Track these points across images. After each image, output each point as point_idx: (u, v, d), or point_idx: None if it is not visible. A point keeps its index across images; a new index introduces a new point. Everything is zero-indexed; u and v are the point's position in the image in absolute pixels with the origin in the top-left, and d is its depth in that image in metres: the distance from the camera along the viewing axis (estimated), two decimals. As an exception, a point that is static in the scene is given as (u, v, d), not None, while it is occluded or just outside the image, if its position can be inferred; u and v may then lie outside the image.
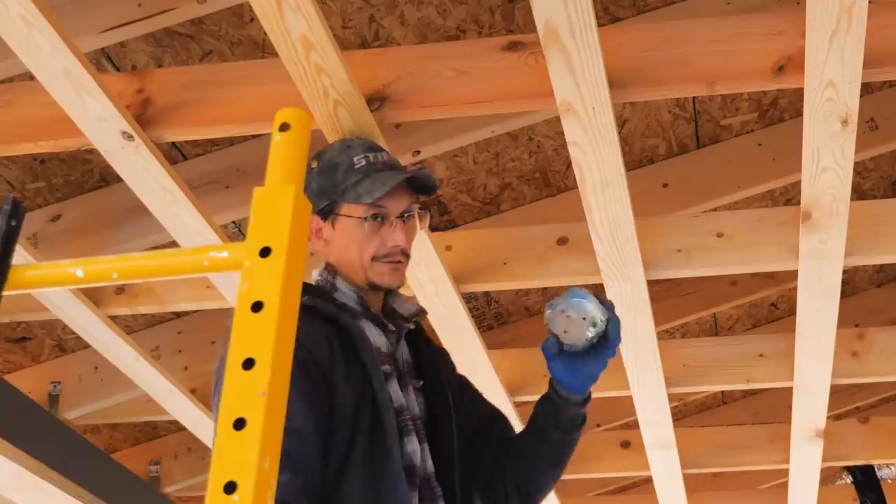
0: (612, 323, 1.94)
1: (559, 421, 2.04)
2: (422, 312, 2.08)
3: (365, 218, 2.01)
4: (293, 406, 1.68)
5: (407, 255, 2.04)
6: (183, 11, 2.71)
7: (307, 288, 2.00)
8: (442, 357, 2.15)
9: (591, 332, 1.92)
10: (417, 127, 3.06)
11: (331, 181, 2.04)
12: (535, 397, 4.10)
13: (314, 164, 2.07)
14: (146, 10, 2.67)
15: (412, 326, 2.06)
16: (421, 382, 2.02)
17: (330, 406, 1.83)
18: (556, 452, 2.09)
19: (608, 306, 1.94)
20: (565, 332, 1.93)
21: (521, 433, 2.13)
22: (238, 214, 3.20)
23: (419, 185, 2.06)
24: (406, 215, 2.04)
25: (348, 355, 1.88)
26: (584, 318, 1.91)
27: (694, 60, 2.39)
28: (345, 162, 2.06)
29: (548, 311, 1.94)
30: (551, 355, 1.98)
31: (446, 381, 2.07)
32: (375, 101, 2.44)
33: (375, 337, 1.99)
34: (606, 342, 1.95)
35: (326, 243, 2.04)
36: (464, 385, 2.19)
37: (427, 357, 2.07)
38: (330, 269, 2.05)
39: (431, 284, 3.05)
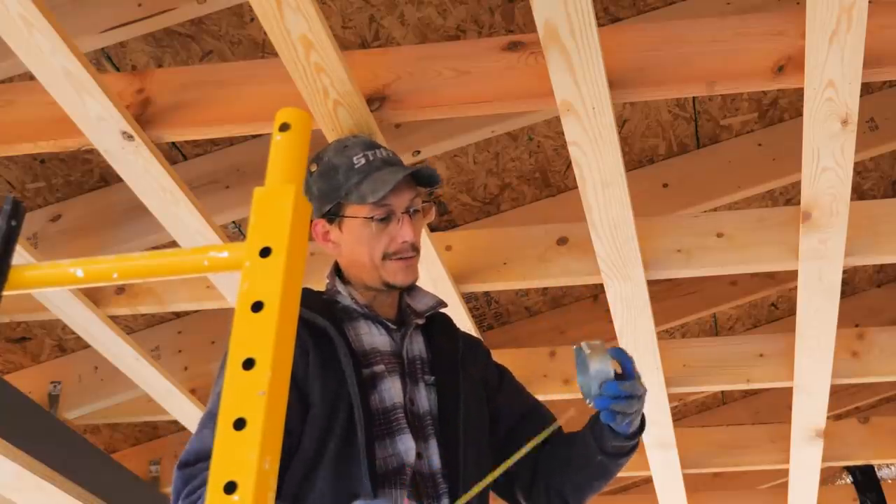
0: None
1: (604, 446, 1.99)
2: (439, 306, 2.08)
3: (371, 218, 2.01)
4: None
5: (416, 250, 2.04)
6: (183, 11, 2.71)
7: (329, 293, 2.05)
8: (465, 350, 2.10)
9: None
10: (417, 127, 3.06)
11: (332, 184, 2.04)
12: (536, 397, 4.10)
13: (313, 168, 2.07)
14: (146, 10, 2.67)
15: (421, 321, 2.05)
16: (433, 378, 2.01)
17: (300, 411, 1.87)
18: (599, 470, 2.04)
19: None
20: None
21: (568, 443, 2.05)
22: (238, 214, 3.20)
23: (421, 178, 2.06)
24: (412, 210, 2.04)
25: (327, 357, 1.90)
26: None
27: (694, 60, 2.39)
28: (344, 163, 2.05)
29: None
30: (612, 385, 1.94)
31: (463, 376, 2.04)
32: (375, 101, 2.44)
33: (375, 336, 1.99)
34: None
35: (336, 246, 2.05)
36: (502, 379, 2.16)
37: (442, 352, 2.06)
38: (333, 271, 2.06)
39: (431, 284, 3.05)
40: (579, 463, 2.03)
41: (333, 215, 2.03)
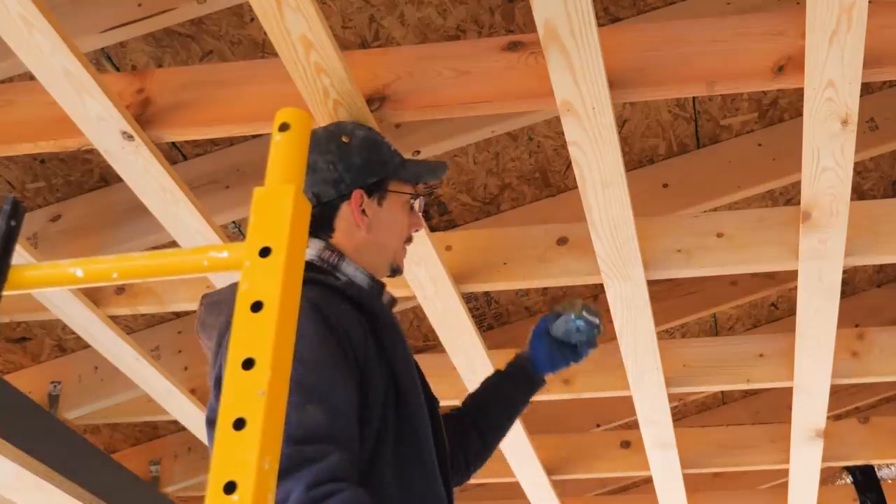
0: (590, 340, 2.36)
1: (533, 389, 2.35)
2: (395, 301, 2.05)
3: (413, 196, 2.03)
4: (333, 385, 1.68)
5: None
6: (183, 11, 2.71)
7: (315, 267, 1.92)
8: None
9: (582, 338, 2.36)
10: (417, 127, 3.06)
11: (379, 156, 2.01)
12: (535, 397, 4.11)
13: (345, 139, 2.02)
14: (146, 10, 2.67)
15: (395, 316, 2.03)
16: None
17: (362, 394, 1.74)
18: (519, 413, 2.37)
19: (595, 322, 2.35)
20: (567, 329, 2.33)
21: (488, 402, 2.30)
22: (238, 214, 3.20)
23: None
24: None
25: (376, 343, 1.81)
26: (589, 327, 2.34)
27: (694, 60, 2.39)
28: (383, 141, 2.06)
29: (569, 309, 2.34)
30: (541, 335, 2.34)
31: None
32: (375, 101, 2.44)
33: None
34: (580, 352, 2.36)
35: (367, 222, 1.96)
36: None
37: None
38: (333, 249, 1.95)
39: (431, 284, 3.05)
40: (506, 411, 2.33)
41: (377, 189, 1.99)
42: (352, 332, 1.76)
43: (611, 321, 3.25)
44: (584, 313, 2.32)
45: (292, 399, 1.61)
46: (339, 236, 1.96)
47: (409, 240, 2.05)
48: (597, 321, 2.34)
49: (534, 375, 2.35)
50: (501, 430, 2.32)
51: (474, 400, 2.34)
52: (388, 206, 2.00)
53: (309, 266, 1.90)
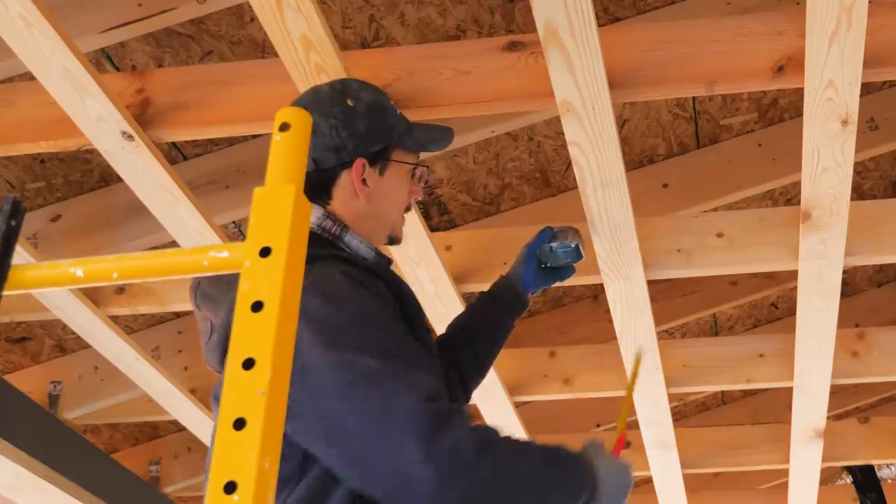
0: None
1: (521, 310, 2.35)
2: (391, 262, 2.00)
3: (416, 165, 1.97)
4: (405, 339, 1.65)
5: None
6: (183, 11, 2.71)
7: (318, 239, 1.83)
8: None
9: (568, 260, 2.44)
10: (417, 127, 3.05)
11: (384, 123, 1.93)
12: (535, 397, 4.12)
13: (350, 102, 1.92)
14: (146, 10, 2.67)
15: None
16: None
17: None
18: (508, 334, 2.37)
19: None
20: (551, 250, 2.41)
21: (480, 325, 2.29)
22: (238, 214, 3.19)
23: None
24: None
25: (405, 323, 1.74)
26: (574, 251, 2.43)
27: (694, 60, 2.39)
28: (389, 105, 1.97)
29: (560, 233, 2.42)
30: (533, 258, 2.39)
31: None
32: (375, 101, 2.44)
33: None
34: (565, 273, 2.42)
35: (368, 192, 1.88)
36: None
37: None
38: (335, 219, 1.86)
39: (431, 284, 3.05)
40: (495, 336, 2.31)
41: (379, 157, 1.91)
42: (393, 308, 1.71)
43: (611, 321, 3.25)
44: (581, 246, 2.43)
45: (388, 368, 1.55)
46: (336, 204, 1.87)
47: (408, 208, 1.98)
48: (583, 251, 2.44)
49: (523, 296, 2.37)
50: (494, 354, 2.34)
51: (465, 325, 2.30)
52: (389, 175, 1.91)
53: (312, 238, 1.78)
